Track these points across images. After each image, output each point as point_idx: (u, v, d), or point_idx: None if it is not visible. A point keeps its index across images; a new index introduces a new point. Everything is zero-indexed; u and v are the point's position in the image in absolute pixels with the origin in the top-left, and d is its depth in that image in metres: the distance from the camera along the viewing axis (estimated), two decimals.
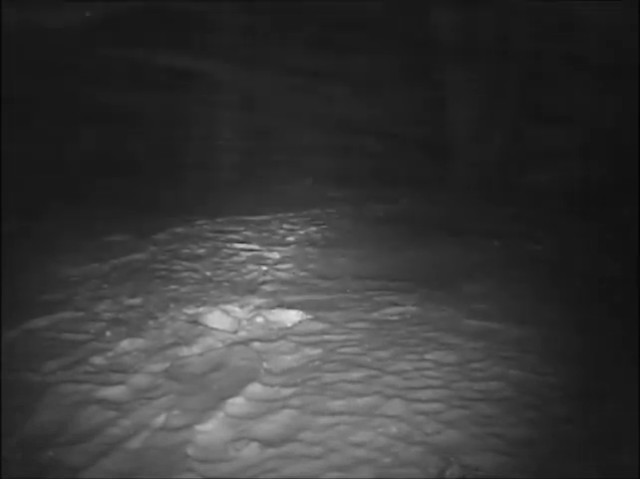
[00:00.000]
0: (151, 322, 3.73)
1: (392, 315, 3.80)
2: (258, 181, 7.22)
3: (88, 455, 2.49)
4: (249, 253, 5.09)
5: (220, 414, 2.74)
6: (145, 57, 7.44)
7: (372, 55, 7.89)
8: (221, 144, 8.10)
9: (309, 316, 3.78)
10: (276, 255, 5.06)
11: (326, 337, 3.51)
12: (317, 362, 3.21)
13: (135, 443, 2.57)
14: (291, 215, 6.21)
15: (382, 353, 3.28)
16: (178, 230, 5.67)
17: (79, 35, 7.32)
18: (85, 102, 7.21)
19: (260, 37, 8.07)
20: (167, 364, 3.22)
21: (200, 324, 3.69)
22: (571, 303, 3.83)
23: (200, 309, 3.88)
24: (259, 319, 3.76)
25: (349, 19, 7.46)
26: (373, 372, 3.07)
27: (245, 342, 3.46)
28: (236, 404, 2.83)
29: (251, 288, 4.29)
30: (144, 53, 7.40)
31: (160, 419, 2.72)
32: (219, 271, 4.67)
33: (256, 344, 3.43)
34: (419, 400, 2.81)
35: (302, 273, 4.61)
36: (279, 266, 4.78)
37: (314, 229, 5.81)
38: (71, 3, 7.08)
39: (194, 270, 4.68)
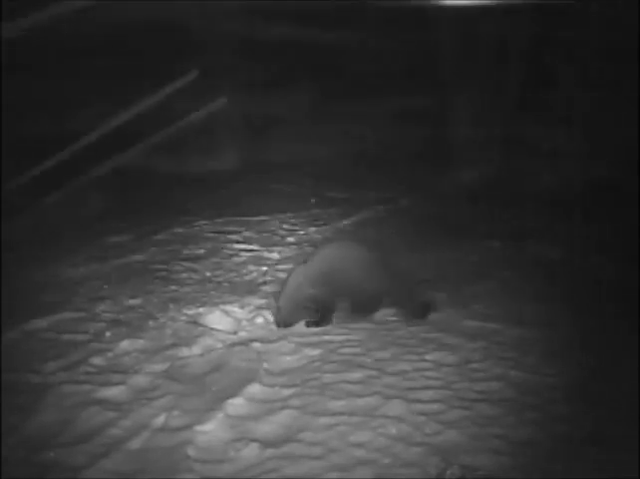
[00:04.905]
0: (150, 323, 3.73)
1: (392, 315, 3.80)
2: (258, 181, 7.21)
3: (88, 455, 2.50)
4: (249, 254, 5.08)
5: (220, 415, 2.74)
6: None
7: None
8: (220, 143, 8.08)
9: None
10: (276, 256, 5.05)
11: (326, 338, 3.52)
12: (317, 363, 3.22)
13: (135, 444, 2.57)
14: (291, 215, 6.20)
15: (382, 354, 3.29)
16: (178, 230, 5.66)
17: None
18: None
19: None
20: (167, 365, 3.22)
21: (200, 325, 3.70)
22: (571, 304, 3.83)
23: (200, 310, 3.89)
24: (259, 320, 3.77)
25: None
26: (373, 373, 3.07)
27: (245, 343, 3.46)
28: (236, 405, 2.83)
29: (251, 289, 4.29)
30: None
31: (161, 420, 2.72)
32: (219, 272, 4.67)
33: (256, 345, 3.43)
34: (419, 401, 2.81)
35: None
36: (279, 267, 4.77)
37: (314, 229, 5.80)
38: None
39: (194, 271, 4.68)
